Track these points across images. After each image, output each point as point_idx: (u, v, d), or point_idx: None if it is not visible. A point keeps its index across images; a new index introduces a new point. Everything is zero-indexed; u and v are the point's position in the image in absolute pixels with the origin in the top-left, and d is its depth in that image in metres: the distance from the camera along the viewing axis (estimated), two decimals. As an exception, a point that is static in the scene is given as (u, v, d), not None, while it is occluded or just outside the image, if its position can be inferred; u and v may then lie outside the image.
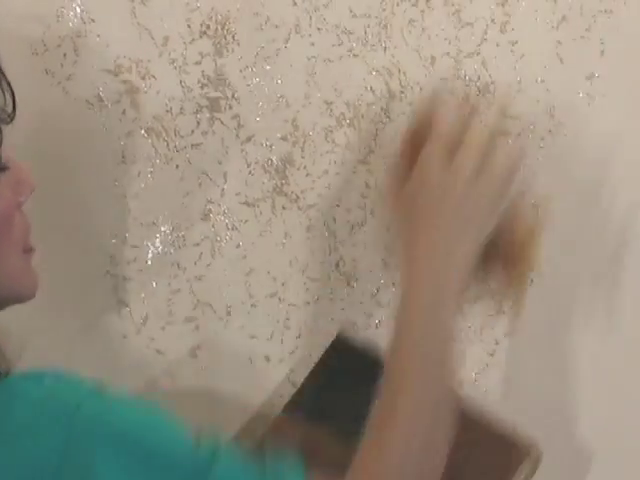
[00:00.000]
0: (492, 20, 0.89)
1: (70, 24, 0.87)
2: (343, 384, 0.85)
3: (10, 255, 0.68)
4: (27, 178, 0.70)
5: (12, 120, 0.68)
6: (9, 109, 0.68)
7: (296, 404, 0.88)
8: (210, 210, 0.90)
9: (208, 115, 0.89)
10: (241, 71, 0.89)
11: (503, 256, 0.77)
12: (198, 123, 0.89)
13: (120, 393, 0.66)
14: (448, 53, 0.89)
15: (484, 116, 0.75)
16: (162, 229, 0.90)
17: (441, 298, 0.71)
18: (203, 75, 0.89)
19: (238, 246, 0.91)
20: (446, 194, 0.72)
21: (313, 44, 0.89)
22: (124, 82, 0.88)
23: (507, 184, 0.74)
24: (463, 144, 0.73)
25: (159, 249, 0.90)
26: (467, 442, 0.72)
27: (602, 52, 0.89)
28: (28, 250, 0.71)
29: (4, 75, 0.68)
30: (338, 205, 0.91)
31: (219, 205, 0.90)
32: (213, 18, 0.89)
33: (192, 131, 0.89)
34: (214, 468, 0.62)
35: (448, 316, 0.71)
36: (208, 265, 0.91)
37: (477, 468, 0.76)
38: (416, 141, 0.75)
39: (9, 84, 0.68)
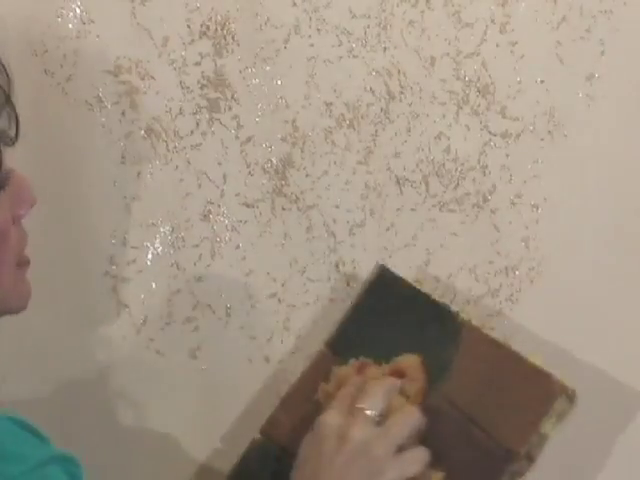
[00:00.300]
0: (492, 21, 0.89)
1: (70, 25, 0.87)
2: (384, 318, 0.85)
3: (2, 271, 0.66)
4: (27, 193, 0.69)
5: (14, 144, 0.67)
6: (12, 133, 0.67)
7: (338, 340, 0.87)
8: (210, 211, 0.90)
9: (207, 116, 0.89)
10: (241, 72, 0.89)
11: None
12: (197, 124, 0.89)
13: None
14: (448, 54, 0.89)
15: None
16: (161, 230, 0.90)
17: None
18: (203, 76, 0.89)
19: (238, 247, 0.91)
20: (347, 445, 0.73)
21: (313, 45, 0.89)
22: (124, 83, 0.88)
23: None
24: (363, 395, 0.76)
25: (159, 250, 0.90)
26: (502, 375, 0.76)
27: (602, 52, 0.89)
28: (23, 263, 0.70)
29: (11, 101, 0.67)
30: (337, 206, 0.91)
31: (219, 206, 0.90)
32: (213, 19, 0.89)
33: (192, 132, 0.89)
34: None
35: None
36: (208, 266, 0.91)
37: (512, 402, 0.75)
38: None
39: (14, 110, 0.67)
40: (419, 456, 0.75)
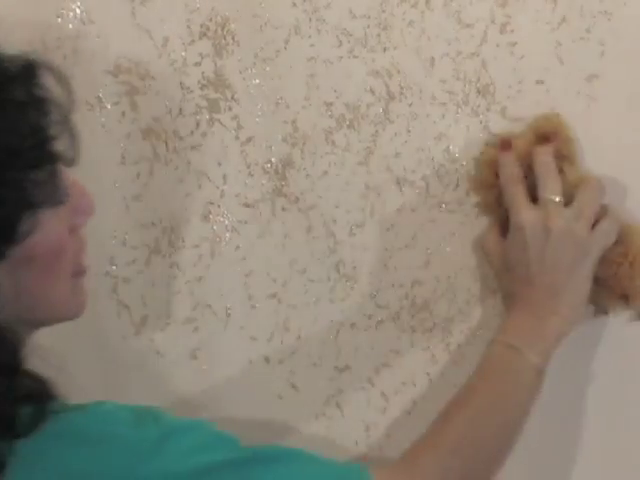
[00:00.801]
0: (492, 21, 0.89)
1: (70, 25, 0.88)
2: None
3: (58, 283, 0.68)
4: (87, 203, 0.71)
5: (73, 165, 0.68)
6: (72, 154, 0.68)
7: None
8: (210, 211, 0.90)
9: (208, 116, 0.89)
10: (241, 72, 0.89)
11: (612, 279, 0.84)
12: (198, 124, 0.89)
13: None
14: (448, 54, 0.89)
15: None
16: (161, 230, 0.90)
17: (537, 350, 0.79)
18: (203, 76, 0.89)
19: (238, 247, 0.91)
20: (550, 235, 0.80)
21: (313, 45, 0.89)
22: (124, 83, 0.88)
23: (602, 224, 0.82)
24: (542, 182, 0.81)
25: (158, 250, 0.90)
26: None
27: (602, 53, 0.89)
28: (80, 273, 0.72)
29: (71, 122, 0.68)
30: (338, 206, 0.91)
31: (219, 206, 0.90)
32: (213, 19, 0.89)
33: (192, 132, 0.90)
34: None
35: (537, 366, 0.79)
36: (208, 266, 0.91)
37: None
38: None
39: (75, 131, 0.68)
40: (613, 224, 0.82)
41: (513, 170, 0.84)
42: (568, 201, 0.82)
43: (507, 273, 0.84)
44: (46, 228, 0.65)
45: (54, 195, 0.65)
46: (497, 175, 0.86)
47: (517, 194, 0.83)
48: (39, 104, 0.65)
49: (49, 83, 0.67)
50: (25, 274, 0.65)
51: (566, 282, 0.80)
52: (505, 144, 0.85)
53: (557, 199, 0.81)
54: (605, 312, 0.87)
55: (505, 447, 0.79)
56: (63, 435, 0.64)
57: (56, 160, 0.66)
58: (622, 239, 0.84)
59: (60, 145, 0.66)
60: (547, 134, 0.85)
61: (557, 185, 0.82)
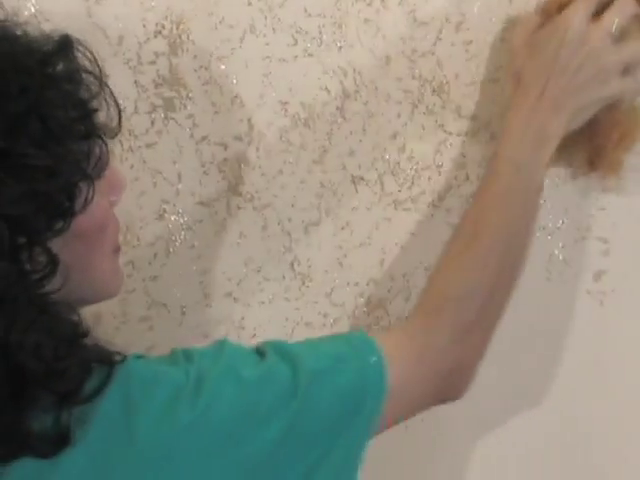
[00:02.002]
0: (447, 20, 0.89)
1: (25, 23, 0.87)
2: None
3: (103, 258, 0.70)
4: (120, 179, 0.72)
5: (117, 135, 0.70)
6: (114, 123, 0.70)
7: None
8: (165, 210, 0.90)
9: (163, 115, 0.89)
10: (196, 71, 0.89)
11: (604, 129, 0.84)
12: (153, 123, 0.89)
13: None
14: (403, 52, 0.89)
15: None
16: (117, 229, 0.90)
17: (537, 152, 0.78)
18: (158, 74, 0.89)
19: (193, 246, 0.91)
20: (583, 45, 0.79)
21: (268, 44, 0.89)
22: (78, 81, 0.88)
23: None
24: (612, 7, 0.80)
25: (114, 249, 0.90)
26: None
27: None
28: (117, 249, 0.73)
29: (112, 92, 0.70)
30: (293, 205, 0.91)
31: (174, 205, 0.90)
32: (168, 18, 0.89)
33: (147, 131, 0.89)
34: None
35: (537, 171, 0.78)
36: (163, 265, 0.91)
37: None
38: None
39: (116, 100, 0.70)
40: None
41: None
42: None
43: (526, 58, 0.82)
44: (94, 204, 0.65)
45: (99, 168, 0.67)
46: None
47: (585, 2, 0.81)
48: (79, 77, 0.67)
49: (82, 58, 0.68)
50: (75, 250, 0.65)
51: (577, 94, 0.80)
52: None
53: (613, 28, 0.80)
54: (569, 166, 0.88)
55: (515, 277, 0.78)
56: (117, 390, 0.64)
57: (101, 131, 0.67)
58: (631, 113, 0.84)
59: (102, 117, 0.68)
60: None
61: (622, 17, 0.80)
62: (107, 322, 0.91)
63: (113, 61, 0.88)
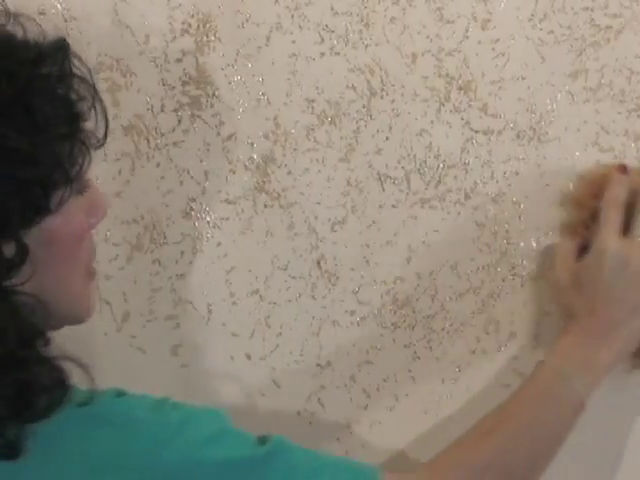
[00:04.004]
0: (474, 17, 0.89)
1: (52, 22, 0.87)
2: None
3: (76, 275, 0.69)
4: (102, 202, 0.72)
5: (102, 146, 0.70)
6: (100, 134, 0.70)
7: None
8: (191, 208, 0.90)
9: (189, 113, 0.89)
10: (222, 69, 0.89)
11: None
12: (179, 121, 0.89)
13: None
14: (429, 51, 0.89)
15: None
16: (143, 227, 0.90)
17: (586, 372, 0.79)
18: (184, 73, 0.89)
19: (219, 244, 0.91)
20: (625, 269, 0.79)
21: (294, 42, 0.89)
22: (105, 80, 0.88)
23: None
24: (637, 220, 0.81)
25: (140, 247, 0.90)
26: None
27: (583, 50, 0.89)
28: (92, 274, 0.73)
29: (101, 101, 0.70)
30: (319, 203, 0.91)
31: (200, 203, 0.90)
32: (195, 16, 0.89)
33: (173, 129, 0.89)
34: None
35: (583, 388, 0.78)
36: (189, 263, 0.91)
37: None
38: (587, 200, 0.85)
39: (105, 110, 0.70)
40: None
41: (620, 193, 0.83)
42: None
43: (573, 293, 0.83)
44: (71, 212, 0.66)
45: (80, 181, 0.67)
46: (594, 196, 0.85)
47: (613, 218, 0.82)
48: (71, 81, 0.67)
49: (76, 64, 0.68)
50: (50, 256, 0.65)
51: (628, 319, 0.80)
52: (623, 168, 0.85)
53: None
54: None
55: (534, 475, 0.78)
56: (85, 418, 0.65)
57: (86, 138, 0.67)
58: None
59: (89, 126, 0.68)
60: None
61: None
62: (134, 320, 0.91)
63: (140, 59, 0.89)
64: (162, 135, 0.89)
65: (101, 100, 0.70)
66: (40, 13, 0.87)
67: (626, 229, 0.83)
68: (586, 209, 0.86)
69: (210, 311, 0.91)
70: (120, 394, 0.69)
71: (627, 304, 0.80)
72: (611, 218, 0.82)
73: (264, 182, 0.90)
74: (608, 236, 0.81)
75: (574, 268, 0.83)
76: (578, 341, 0.80)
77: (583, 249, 0.85)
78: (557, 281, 0.85)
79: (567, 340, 0.81)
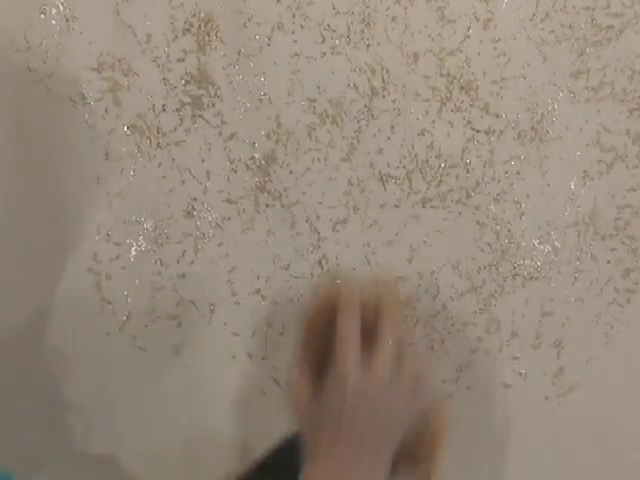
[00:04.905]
0: (475, 17, 0.89)
1: (53, 21, 0.87)
2: None
3: None
4: None
5: None
6: None
7: None
8: (193, 208, 0.90)
9: (191, 112, 0.89)
10: (224, 68, 0.89)
11: (411, 455, 0.79)
12: (181, 120, 0.89)
13: None
14: (431, 50, 0.89)
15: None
16: (145, 226, 0.90)
17: None
18: (186, 72, 0.89)
19: (221, 244, 0.91)
20: (362, 399, 0.74)
21: (296, 41, 0.89)
22: (107, 79, 0.88)
23: (419, 391, 0.76)
24: (377, 349, 0.75)
25: (142, 247, 0.90)
26: None
27: (584, 49, 0.89)
28: None
29: None
30: (321, 202, 0.91)
31: (202, 203, 0.90)
32: (196, 16, 0.89)
33: (175, 128, 0.89)
34: None
35: None
36: (191, 263, 0.91)
37: None
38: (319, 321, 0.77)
39: None
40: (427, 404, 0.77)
41: (351, 319, 0.77)
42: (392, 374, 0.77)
43: (315, 421, 0.77)
44: None
45: None
46: (328, 320, 0.78)
47: (348, 346, 0.76)
48: None
49: None
50: None
51: (374, 445, 0.75)
52: (352, 291, 0.78)
53: (387, 374, 0.76)
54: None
55: None
56: None
57: None
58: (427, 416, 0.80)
59: None
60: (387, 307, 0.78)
61: (389, 358, 0.76)
62: (136, 319, 0.91)
63: (141, 59, 0.89)
64: (164, 135, 0.89)
65: None
66: (41, 13, 0.87)
67: (370, 342, 0.77)
68: (321, 333, 0.79)
69: (212, 310, 0.91)
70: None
71: (369, 432, 0.75)
72: (345, 346, 0.76)
73: (266, 182, 0.90)
74: (346, 370, 0.76)
75: (314, 403, 0.78)
76: (328, 467, 0.75)
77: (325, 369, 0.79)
78: (296, 410, 0.79)
79: (314, 469, 0.76)
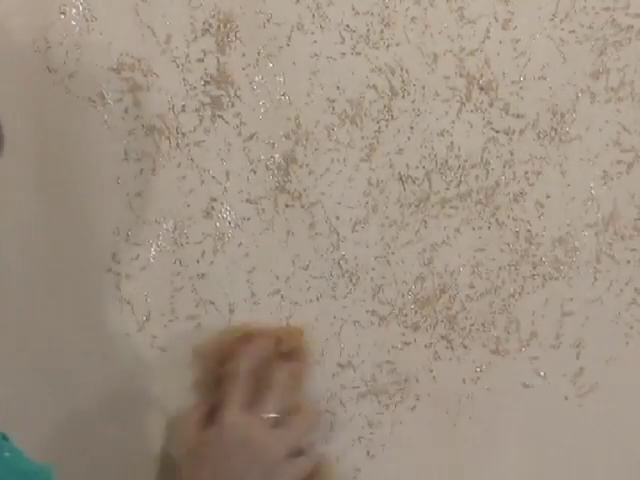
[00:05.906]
0: (495, 17, 0.89)
1: (72, 22, 0.87)
2: None
3: None
4: None
5: None
6: None
7: None
8: (212, 208, 0.90)
9: (210, 113, 0.89)
10: (243, 69, 0.89)
11: None
12: (200, 121, 0.89)
13: None
14: (450, 50, 0.89)
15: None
16: (164, 227, 0.90)
17: None
18: (205, 73, 0.89)
19: (240, 244, 0.91)
20: (244, 446, 0.76)
21: (315, 42, 0.89)
22: (126, 80, 0.88)
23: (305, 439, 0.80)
24: (264, 395, 0.78)
25: (161, 247, 0.90)
26: None
27: (605, 49, 0.89)
28: None
29: None
30: (340, 203, 0.91)
31: (221, 203, 0.90)
32: (216, 16, 0.89)
33: (194, 129, 0.89)
34: None
35: None
36: (210, 263, 0.91)
37: None
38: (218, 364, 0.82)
39: (1, 126, 0.68)
40: (310, 463, 0.80)
41: (244, 365, 0.81)
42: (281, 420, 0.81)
43: (194, 468, 0.78)
44: None
45: None
46: (221, 363, 0.83)
47: (236, 391, 0.79)
48: None
49: None
50: None
51: None
52: (248, 338, 0.83)
53: (271, 415, 0.79)
54: None
55: None
56: None
57: None
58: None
59: None
60: (288, 349, 0.85)
61: (277, 404, 0.80)
62: (155, 320, 0.91)
63: (161, 59, 0.89)
64: (183, 135, 0.89)
65: None
66: (61, 13, 0.87)
67: (258, 396, 0.80)
68: (213, 375, 0.84)
69: (232, 311, 0.91)
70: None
71: (247, 476, 0.76)
72: (234, 392, 0.79)
73: (285, 182, 0.90)
74: (230, 410, 0.78)
75: (197, 440, 0.79)
76: None
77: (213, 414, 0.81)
78: (180, 444, 0.81)
79: None
